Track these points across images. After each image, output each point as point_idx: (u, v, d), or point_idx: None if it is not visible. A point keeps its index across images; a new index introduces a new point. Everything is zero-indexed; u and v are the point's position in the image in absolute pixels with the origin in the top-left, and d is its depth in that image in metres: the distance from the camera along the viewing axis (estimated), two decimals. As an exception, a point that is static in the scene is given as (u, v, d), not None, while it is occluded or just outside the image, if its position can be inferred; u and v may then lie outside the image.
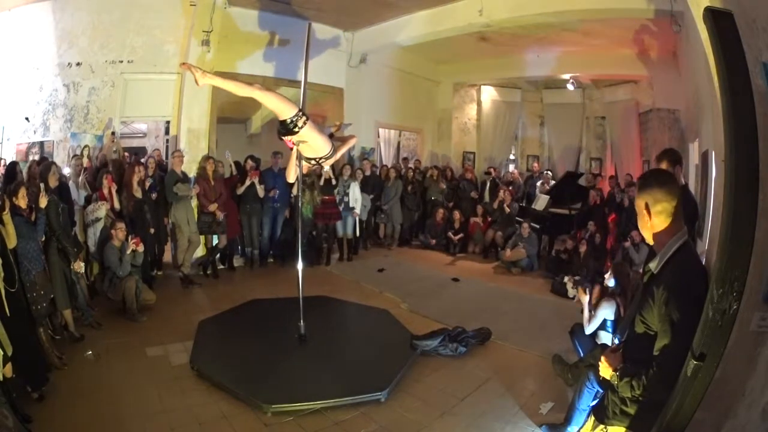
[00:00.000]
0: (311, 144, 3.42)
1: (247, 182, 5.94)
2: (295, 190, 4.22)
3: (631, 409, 1.70)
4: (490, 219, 7.59)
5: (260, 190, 6.02)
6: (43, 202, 3.37)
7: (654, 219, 1.65)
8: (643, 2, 4.71)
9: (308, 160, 3.61)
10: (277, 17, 6.50)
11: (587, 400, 2.42)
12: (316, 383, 3.13)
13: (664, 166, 2.79)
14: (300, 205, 4.58)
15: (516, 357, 3.75)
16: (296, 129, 3.21)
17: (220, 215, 5.56)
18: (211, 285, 5.53)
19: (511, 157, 10.70)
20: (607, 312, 3.30)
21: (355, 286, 5.63)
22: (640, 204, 1.70)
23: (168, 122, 6.50)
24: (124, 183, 5.01)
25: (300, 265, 3.91)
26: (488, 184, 8.14)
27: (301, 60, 4.18)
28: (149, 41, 5.92)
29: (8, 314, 2.57)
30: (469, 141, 10.01)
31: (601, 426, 1.82)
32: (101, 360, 3.45)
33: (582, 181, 8.01)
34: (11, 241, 2.89)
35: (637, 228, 1.78)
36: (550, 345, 3.71)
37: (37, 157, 5.68)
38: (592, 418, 1.95)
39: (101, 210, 4.64)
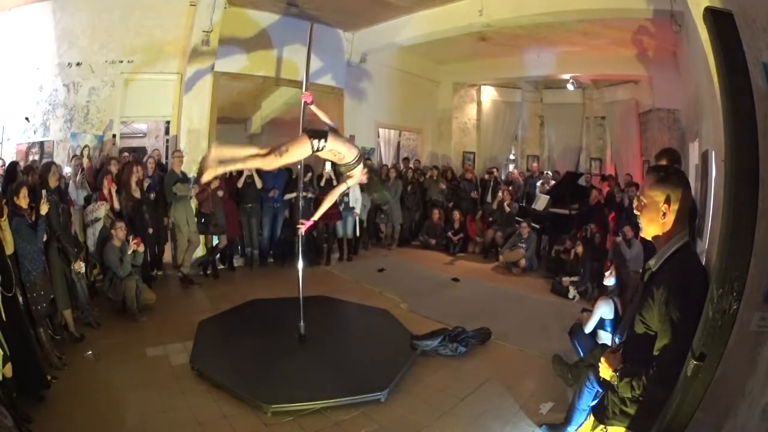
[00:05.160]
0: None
1: (245, 172, 5.86)
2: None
3: (631, 409, 1.70)
4: (490, 219, 7.58)
5: (258, 182, 6.00)
6: (44, 209, 3.34)
7: (669, 216, 1.61)
8: (643, 2, 4.71)
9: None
10: (277, 17, 6.49)
11: (587, 400, 2.42)
12: (316, 383, 3.13)
13: (663, 165, 2.78)
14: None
15: (516, 357, 3.76)
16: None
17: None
18: (211, 285, 5.53)
19: (511, 157, 10.69)
20: (604, 311, 3.31)
21: (355, 286, 5.63)
22: (658, 196, 1.61)
23: (168, 122, 6.50)
24: (122, 183, 5.02)
25: (300, 265, 3.91)
26: (491, 184, 8.07)
27: (301, 60, 4.18)
28: (149, 41, 5.91)
29: (4, 319, 2.57)
30: (469, 141, 10.00)
31: (601, 426, 1.82)
32: (101, 360, 3.45)
33: (582, 181, 8.00)
34: (8, 248, 2.88)
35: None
36: (550, 345, 3.71)
37: (37, 157, 5.68)
38: (592, 418, 1.95)
39: (101, 210, 4.64)
